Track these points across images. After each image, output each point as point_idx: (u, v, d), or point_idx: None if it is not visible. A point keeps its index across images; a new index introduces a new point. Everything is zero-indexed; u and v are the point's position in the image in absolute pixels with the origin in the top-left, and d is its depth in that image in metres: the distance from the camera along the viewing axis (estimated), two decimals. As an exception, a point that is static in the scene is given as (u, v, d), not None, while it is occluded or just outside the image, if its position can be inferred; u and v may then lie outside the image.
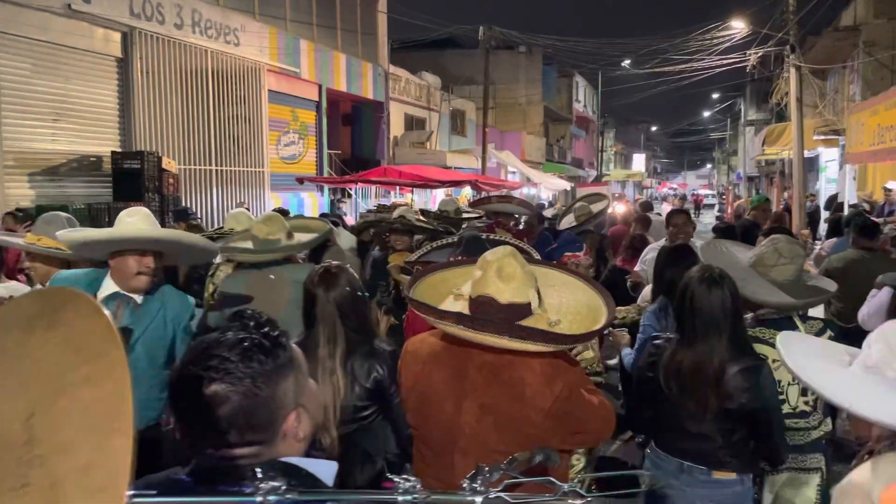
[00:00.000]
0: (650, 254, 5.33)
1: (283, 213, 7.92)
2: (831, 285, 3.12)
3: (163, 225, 10.78)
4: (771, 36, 19.06)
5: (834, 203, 14.51)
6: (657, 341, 2.71)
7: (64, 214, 3.85)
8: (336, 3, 17.78)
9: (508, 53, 31.45)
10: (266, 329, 1.16)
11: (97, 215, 9.76)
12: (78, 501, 0.68)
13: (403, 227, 5.44)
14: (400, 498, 1.11)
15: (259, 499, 1.01)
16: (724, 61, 20.92)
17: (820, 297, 3.07)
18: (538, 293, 2.04)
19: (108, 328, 0.76)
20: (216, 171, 13.41)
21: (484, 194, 12.68)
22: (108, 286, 2.98)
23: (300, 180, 13.95)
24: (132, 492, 0.72)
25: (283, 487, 1.02)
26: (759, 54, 19.60)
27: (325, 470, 1.17)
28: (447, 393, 2.04)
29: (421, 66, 24.82)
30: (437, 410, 2.05)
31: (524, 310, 1.97)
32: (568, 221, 7.69)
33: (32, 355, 0.77)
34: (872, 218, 6.68)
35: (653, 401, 2.63)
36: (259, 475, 1.04)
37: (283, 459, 1.13)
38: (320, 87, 16.83)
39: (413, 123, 22.66)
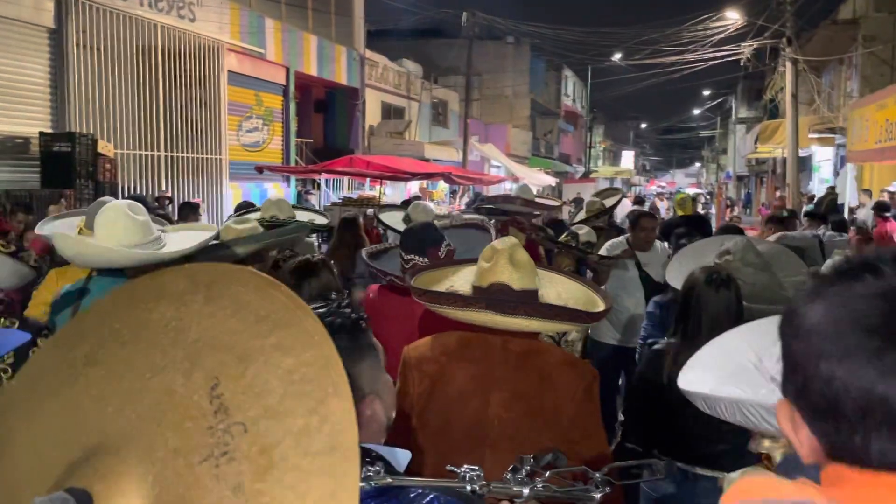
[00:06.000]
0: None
1: (248, 205, 6.96)
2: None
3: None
4: (766, 28, 18.24)
5: (825, 203, 13.65)
6: (656, 346, 2.67)
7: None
8: (308, -19, 16.72)
9: (495, 44, 30.56)
10: (348, 310, 1.20)
11: (30, 206, 8.68)
12: (302, 463, 0.66)
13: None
14: (468, 486, 1.16)
15: (362, 484, 0.99)
16: (718, 54, 20.08)
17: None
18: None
19: (288, 299, 0.74)
20: (166, 157, 12.33)
21: (478, 190, 11.84)
22: None
23: (259, 169, 12.90)
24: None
25: (382, 472, 1.04)
26: (754, 46, 18.77)
27: (400, 457, 1.17)
28: (474, 388, 2.02)
29: (403, 53, 23.83)
30: (462, 408, 2.02)
31: (535, 296, 2.02)
32: (579, 218, 7.25)
33: (197, 327, 0.75)
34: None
35: (655, 407, 2.58)
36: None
37: (368, 446, 1.11)
38: (288, 70, 15.75)
39: (391, 112, 21.66)
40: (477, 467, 1.19)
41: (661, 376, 2.52)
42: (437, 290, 2.16)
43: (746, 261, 3.27)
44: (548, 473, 1.29)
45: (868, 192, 11.18)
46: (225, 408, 0.69)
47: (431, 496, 1.08)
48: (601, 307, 2.13)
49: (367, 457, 1.09)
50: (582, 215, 7.50)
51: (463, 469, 1.18)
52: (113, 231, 2.72)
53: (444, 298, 2.05)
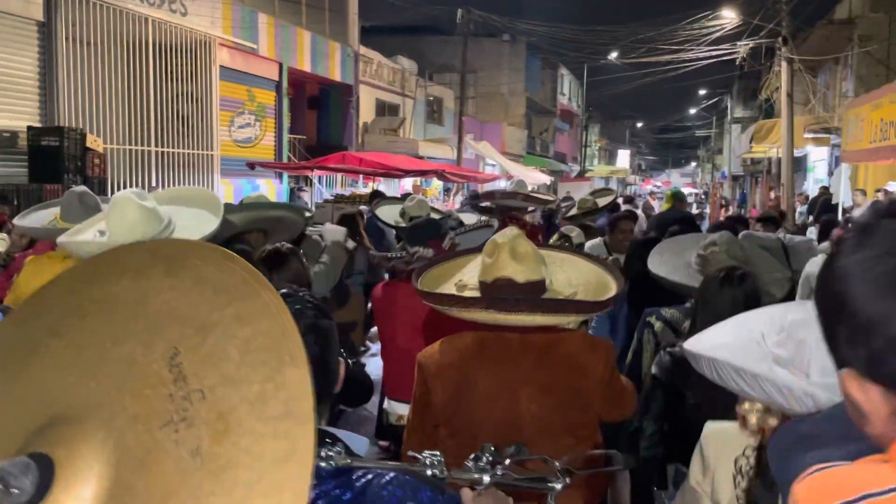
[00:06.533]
0: None
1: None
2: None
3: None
4: (762, 27, 18.20)
5: (818, 204, 13.60)
6: (671, 349, 2.57)
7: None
8: (301, -24, 16.60)
9: (491, 41, 30.46)
10: (311, 298, 1.28)
11: (9, 198, 8.59)
12: (257, 428, 0.69)
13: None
14: (428, 471, 1.15)
15: (322, 463, 1.04)
16: (714, 53, 20.03)
17: None
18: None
19: (246, 271, 0.76)
20: (157, 152, 12.21)
21: (470, 186, 11.79)
22: None
23: (251, 165, 12.80)
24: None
25: (342, 452, 1.06)
26: (750, 46, 18.72)
27: (358, 444, 1.19)
28: (500, 388, 2.00)
29: (398, 50, 23.69)
30: (491, 408, 2.00)
31: (541, 287, 2.00)
32: (571, 213, 7.39)
33: (157, 300, 0.77)
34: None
35: (671, 413, 2.55)
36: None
37: (325, 428, 1.18)
38: (281, 65, 15.62)
39: (385, 109, 21.54)
40: (438, 452, 1.21)
41: (680, 384, 2.46)
42: (440, 290, 2.13)
43: (731, 253, 3.25)
44: (507, 461, 1.30)
45: (863, 192, 11.14)
46: (184, 376, 0.71)
47: (391, 475, 1.09)
48: (612, 289, 2.09)
49: (327, 438, 1.11)
50: (574, 212, 7.57)
51: (424, 454, 1.19)
52: (130, 226, 2.74)
53: (447, 300, 2.03)
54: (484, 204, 7.70)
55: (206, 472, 0.67)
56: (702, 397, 2.31)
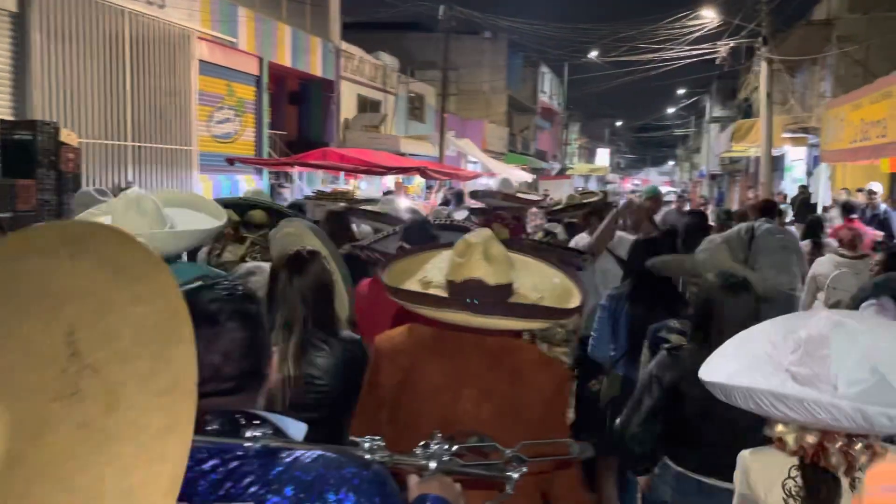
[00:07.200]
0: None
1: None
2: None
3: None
4: (742, 27, 18.33)
5: (797, 203, 13.72)
6: (669, 348, 2.60)
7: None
8: (282, -30, 16.37)
9: (473, 39, 30.40)
10: (241, 288, 1.32)
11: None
12: (143, 401, 0.73)
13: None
14: (367, 456, 1.16)
15: (248, 444, 1.08)
16: (694, 52, 20.15)
17: None
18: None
19: (145, 254, 0.82)
20: (133, 147, 11.96)
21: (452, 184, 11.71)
22: None
23: (230, 161, 12.59)
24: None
25: (270, 433, 1.10)
26: (731, 45, 18.84)
27: (294, 429, 1.22)
28: (445, 383, 2.00)
29: (379, 46, 23.51)
30: (432, 401, 2.00)
31: (509, 290, 1.99)
32: (558, 207, 7.32)
33: (61, 279, 0.80)
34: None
35: (670, 413, 2.50)
36: (242, 422, 1.13)
37: (258, 412, 1.21)
38: (261, 60, 15.40)
39: (367, 106, 21.37)
40: (379, 437, 1.20)
41: (678, 383, 2.48)
42: (410, 287, 2.09)
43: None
44: (455, 447, 1.29)
45: (848, 192, 11.19)
46: (79, 352, 0.75)
47: (316, 454, 1.09)
48: (576, 297, 2.09)
49: (255, 420, 1.15)
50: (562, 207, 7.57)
51: (364, 438, 1.19)
52: (137, 227, 2.79)
53: (419, 298, 2.00)
54: (476, 206, 7.72)
55: (93, 444, 0.71)
56: (703, 397, 2.28)
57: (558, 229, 5.21)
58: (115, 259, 0.81)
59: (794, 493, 1.58)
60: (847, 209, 8.42)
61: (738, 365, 1.60)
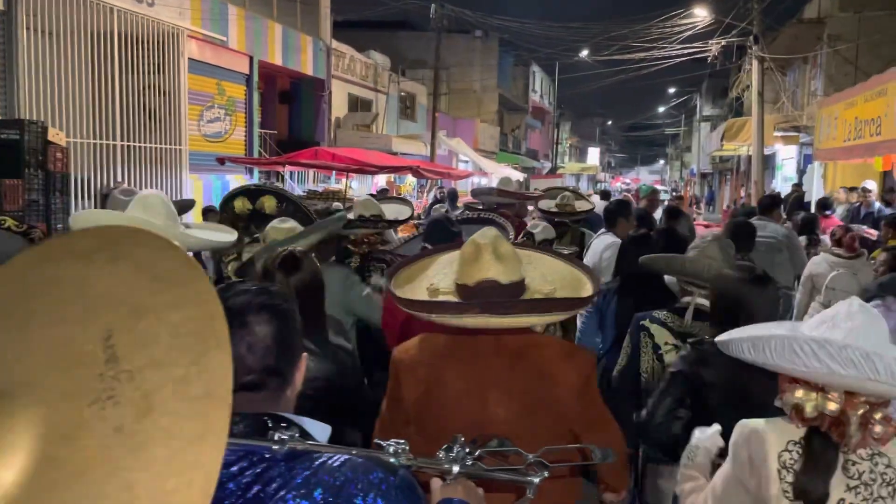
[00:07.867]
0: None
1: (210, 210, 6.80)
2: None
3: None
4: (734, 26, 18.36)
5: (790, 202, 13.71)
6: (695, 342, 2.55)
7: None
8: (272, -32, 16.24)
9: (464, 38, 30.36)
10: (278, 292, 1.36)
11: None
12: (178, 408, 0.73)
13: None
14: (392, 459, 1.17)
15: (275, 446, 1.08)
16: (685, 51, 20.16)
17: None
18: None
19: (184, 260, 0.82)
20: (122, 146, 11.82)
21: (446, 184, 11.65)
22: None
23: (221, 161, 12.46)
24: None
25: (296, 436, 1.10)
26: (722, 44, 18.87)
27: (319, 431, 1.23)
28: (469, 388, 1.97)
29: (371, 45, 23.41)
30: (459, 408, 1.96)
31: (522, 287, 1.98)
32: (546, 205, 7.11)
33: (99, 284, 0.81)
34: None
35: (693, 402, 2.45)
36: (269, 425, 1.14)
37: (284, 414, 1.22)
38: (251, 58, 15.28)
39: (358, 104, 21.27)
40: (403, 441, 1.20)
41: (702, 374, 2.44)
42: (418, 297, 2.05)
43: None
44: (478, 452, 1.29)
45: (846, 190, 11.13)
46: (116, 357, 0.75)
47: (343, 458, 1.09)
48: (588, 284, 2.08)
49: (283, 423, 1.15)
50: (550, 204, 7.44)
51: (389, 442, 1.19)
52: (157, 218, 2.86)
53: (436, 307, 1.96)
54: (479, 206, 7.71)
55: (125, 449, 0.71)
56: (729, 387, 2.33)
57: (539, 228, 5.12)
58: (152, 264, 0.82)
59: (788, 465, 1.57)
60: (822, 206, 8.37)
61: (755, 330, 1.64)
